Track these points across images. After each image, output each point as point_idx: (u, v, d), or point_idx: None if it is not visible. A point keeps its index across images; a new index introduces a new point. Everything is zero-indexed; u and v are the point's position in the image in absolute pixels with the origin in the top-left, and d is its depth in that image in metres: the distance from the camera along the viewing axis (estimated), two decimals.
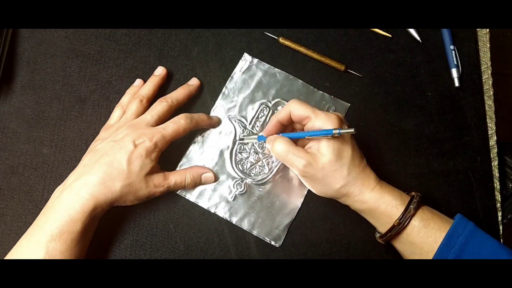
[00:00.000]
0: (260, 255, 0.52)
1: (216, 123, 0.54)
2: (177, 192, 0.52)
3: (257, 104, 0.55)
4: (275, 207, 0.53)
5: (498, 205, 0.55)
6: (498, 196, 0.55)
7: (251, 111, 0.55)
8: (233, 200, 0.53)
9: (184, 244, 0.51)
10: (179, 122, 0.49)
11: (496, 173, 0.56)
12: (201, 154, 0.54)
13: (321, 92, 0.56)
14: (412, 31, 0.58)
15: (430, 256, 0.45)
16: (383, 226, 0.47)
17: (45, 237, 0.43)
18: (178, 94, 0.53)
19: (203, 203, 0.52)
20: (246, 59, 0.57)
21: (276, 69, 0.56)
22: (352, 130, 0.44)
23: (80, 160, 0.49)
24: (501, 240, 0.54)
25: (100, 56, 0.56)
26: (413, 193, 0.48)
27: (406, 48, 0.58)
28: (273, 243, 0.52)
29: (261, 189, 0.53)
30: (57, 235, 0.43)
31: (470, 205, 0.54)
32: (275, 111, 0.55)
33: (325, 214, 0.53)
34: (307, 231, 0.52)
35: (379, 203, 0.46)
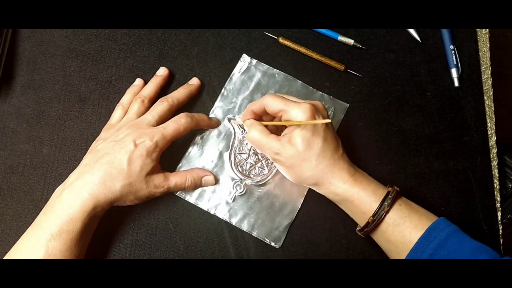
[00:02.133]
0: (260, 255, 0.52)
1: (215, 124, 0.54)
2: (177, 194, 0.52)
3: None
4: (274, 208, 0.53)
5: (498, 205, 0.55)
6: (497, 196, 0.55)
7: None
8: (233, 201, 0.53)
9: (183, 244, 0.52)
10: (179, 121, 0.49)
11: (495, 173, 0.56)
12: (200, 156, 0.54)
13: (320, 92, 0.56)
14: (412, 31, 0.58)
15: (403, 255, 0.44)
16: (359, 220, 0.48)
17: (45, 236, 0.43)
18: (179, 93, 0.53)
19: (203, 205, 0.52)
20: (244, 60, 0.57)
21: (275, 69, 0.56)
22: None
23: (80, 160, 0.49)
24: (501, 240, 0.54)
25: (100, 56, 0.56)
26: (389, 188, 0.47)
27: (406, 48, 0.58)
28: (273, 244, 0.52)
29: (260, 190, 0.53)
30: (56, 234, 0.43)
31: (470, 205, 0.54)
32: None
33: (324, 214, 0.53)
34: (306, 231, 0.52)
35: (353, 198, 0.46)
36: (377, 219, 0.45)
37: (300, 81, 0.56)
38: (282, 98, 0.47)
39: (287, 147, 0.46)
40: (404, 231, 0.44)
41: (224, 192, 0.53)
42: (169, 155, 0.51)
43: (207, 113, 0.55)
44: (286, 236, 0.52)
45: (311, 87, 0.56)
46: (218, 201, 0.52)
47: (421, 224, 0.44)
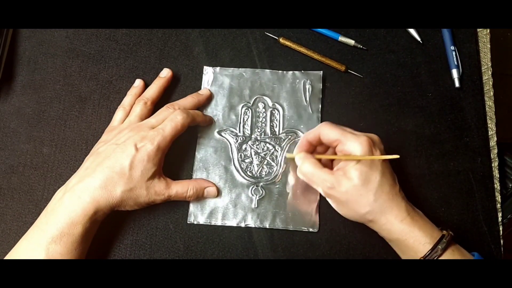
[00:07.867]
0: (261, 255, 0.52)
1: (210, 120, 0.54)
2: (189, 221, 0.52)
3: (238, 109, 0.55)
4: (297, 197, 0.52)
5: (498, 205, 0.55)
6: (498, 197, 0.55)
7: (235, 118, 0.55)
8: (257, 206, 0.52)
9: (183, 244, 0.52)
10: (176, 118, 0.49)
11: (496, 174, 0.56)
12: (207, 178, 0.53)
13: (291, 72, 0.56)
14: (412, 31, 0.58)
15: None
16: (406, 259, 0.46)
17: (46, 239, 0.43)
18: (187, 102, 0.52)
19: (231, 223, 0.52)
20: (207, 72, 0.56)
21: (240, 69, 0.56)
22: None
23: (80, 160, 0.49)
24: (501, 241, 0.54)
25: (101, 56, 0.56)
26: (444, 231, 0.46)
27: (407, 49, 0.58)
28: (311, 230, 0.52)
29: (278, 186, 0.53)
30: (57, 237, 0.43)
31: (470, 206, 0.54)
32: (257, 109, 0.55)
33: (325, 214, 0.53)
34: (307, 231, 0.52)
35: (407, 237, 0.44)
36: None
37: (267, 70, 0.56)
38: (338, 127, 0.46)
39: (342, 181, 0.44)
40: None
41: (245, 202, 0.52)
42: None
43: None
44: (290, 233, 0.52)
45: (280, 71, 0.56)
46: (243, 212, 0.52)
47: None
